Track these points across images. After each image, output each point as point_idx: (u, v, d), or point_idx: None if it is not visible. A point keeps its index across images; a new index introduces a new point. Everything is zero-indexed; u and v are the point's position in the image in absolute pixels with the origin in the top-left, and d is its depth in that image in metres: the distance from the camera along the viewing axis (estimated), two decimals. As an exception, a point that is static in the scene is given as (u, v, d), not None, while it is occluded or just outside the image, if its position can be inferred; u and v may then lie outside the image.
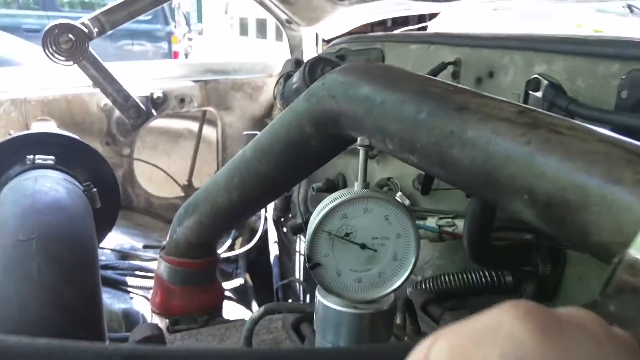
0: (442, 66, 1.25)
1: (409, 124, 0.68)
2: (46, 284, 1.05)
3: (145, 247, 1.57)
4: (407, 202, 1.09)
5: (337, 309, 0.67)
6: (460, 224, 1.14)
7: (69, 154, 1.47)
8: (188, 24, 11.29)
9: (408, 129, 0.68)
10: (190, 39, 11.09)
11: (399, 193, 1.09)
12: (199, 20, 13.40)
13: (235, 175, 1.06)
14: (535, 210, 0.53)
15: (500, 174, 0.56)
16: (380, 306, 0.67)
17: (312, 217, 0.67)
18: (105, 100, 2.02)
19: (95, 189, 1.34)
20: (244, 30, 11.33)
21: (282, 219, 2.25)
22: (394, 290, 0.67)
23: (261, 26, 10.32)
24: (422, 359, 0.28)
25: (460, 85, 0.70)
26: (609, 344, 0.27)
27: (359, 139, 0.63)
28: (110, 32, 1.90)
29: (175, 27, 9.70)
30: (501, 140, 0.56)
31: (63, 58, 1.82)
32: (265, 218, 2.24)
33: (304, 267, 2.08)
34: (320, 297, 0.68)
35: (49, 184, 1.22)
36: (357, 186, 0.66)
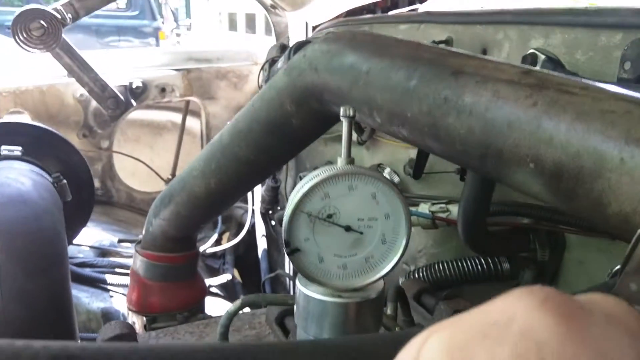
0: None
1: (399, 93, 0.61)
2: (9, 281, 0.98)
3: (120, 241, 1.49)
4: (396, 179, 1.02)
5: (320, 299, 0.60)
6: (454, 209, 1.08)
7: (38, 144, 1.38)
8: (176, 19, 11.16)
9: (397, 98, 0.61)
10: (178, 35, 10.97)
11: (387, 169, 1.02)
12: (187, 15, 13.26)
13: (212, 161, 0.98)
14: (542, 181, 0.47)
15: (502, 142, 0.49)
16: (367, 294, 0.60)
17: (290, 197, 0.60)
18: (81, 91, 1.93)
19: (65, 181, 1.25)
20: (232, 25, 11.23)
21: (270, 212, 2.18)
22: (383, 277, 0.60)
23: (250, 21, 10.22)
24: (413, 356, 0.22)
25: (455, 49, 0.63)
26: None
27: (341, 108, 0.56)
28: (83, 17, 1.81)
29: (162, 22, 9.57)
30: (503, 104, 0.49)
31: (35, 46, 1.72)
32: (253, 211, 2.17)
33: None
34: (300, 287, 0.61)
35: (13, 175, 1.14)
36: (340, 162, 0.58)
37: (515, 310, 0.21)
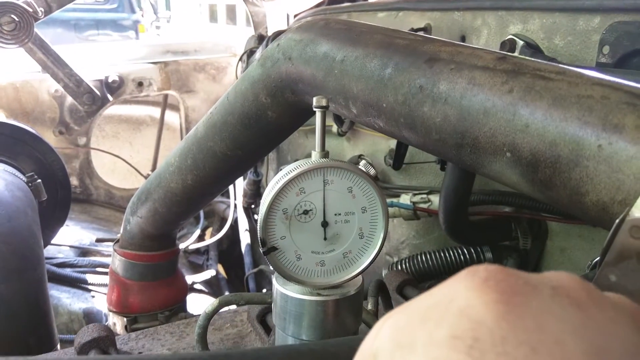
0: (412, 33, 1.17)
1: (373, 82, 0.59)
2: (-20, 285, 0.95)
3: (98, 240, 1.45)
4: (372, 171, 1.00)
5: (298, 298, 0.58)
6: (435, 199, 1.07)
7: (11, 143, 1.34)
8: (155, 11, 10.97)
9: (372, 87, 0.60)
10: (158, 27, 10.79)
11: (363, 162, 1.00)
12: (167, 7, 13.05)
13: (187, 156, 0.96)
14: (519, 171, 0.45)
15: (478, 130, 0.48)
16: (346, 291, 0.59)
17: (264, 194, 0.58)
18: (56, 86, 1.88)
19: (39, 180, 1.22)
20: (213, 16, 11.09)
21: (253, 206, 2.16)
22: (362, 272, 0.58)
23: (231, 12, 10.11)
24: (370, 344, 0.22)
25: (430, 36, 0.61)
26: (595, 308, 0.20)
27: (314, 99, 0.54)
28: (57, 11, 1.75)
29: (142, 15, 9.40)
30: (478, 91, 0.48)
31: (6, 41, 1.67)
32: (235, 206, 2.14)
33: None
34: (278, 286, 0.59)
35: (-17, 175, 1.10)
36: (314, 155, 0.57)
37: (456, 291, 0.21)
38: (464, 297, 0.20)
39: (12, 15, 1.67)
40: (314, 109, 0.55)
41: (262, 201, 0.58)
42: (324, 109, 0.55)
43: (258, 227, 0.57)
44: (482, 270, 0.21)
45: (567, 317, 0.19)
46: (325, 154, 0.57)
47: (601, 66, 0.85)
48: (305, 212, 0.57)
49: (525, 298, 0.20)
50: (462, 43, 0.57)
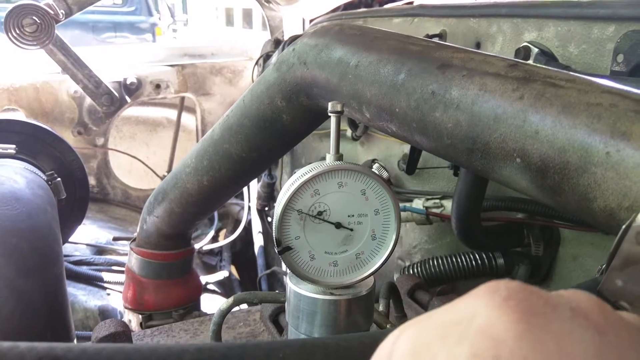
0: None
1: (387, 87, 0.61)
2: (3, 280, 0.97)
3: (115, 239, 1.48)
4: (385, 174, 1.01)
5: (311, 296, 0.60)
6: (448, 204, 1.07)
7: (32, 142, 1.38)
8: (172, 15, 11.12)
9: (385, 92, 0.61)
10: (174, 30, 10.93)
11: (376, 165, 1.01)
12: (184, 11, 13.20)
13: (204, 158, 0.98)
14: (529, 176, 0.46)
15: (489, 136, 0.49)
16: (358, 291, 0.60)
17: (279, 195, 0.60)
18: (75, 87, 1.92)
19: (59, 179, 1.25)
20: (229, 20, 11.20)
21: (267, 208, 2.18)
22: (373, 273, 0.60)
23: (247, 16, 10.19)
24: (387, 354, 0.22)
25: (443, 42, 0.62)
26: (613, 332, 0.21)
27: (329, 104, 0.56)
28: (78, 13, 1.79)
29: (159, 18, 9.53)
30: (489, 98, 0.49)
31: (28, 42, 1.71)
32: (249, 208, 2.16)
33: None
34: (291, 285, 0.61)
35: (6, 173, 1.13)
36: (329, 158, 0.58)
37: (477, 308, 0.21)
38: (484, 316, 0.20)
39: (34, 17, 1.72)
40: (329, 114, 0.57)
41: (277, 202, 0.59)
42: (339, 114, 0.56)
43: (273, 227, 0.58)
44: (503, 288, 0.22)
45: (586, 340, 0.20)
46: (339, 156, 0.58)
47: (615, 74, 0.85)
48: (320, 213, 0.58)
49: (546, 319, 0.20)
50: (474, 50, 0.58)
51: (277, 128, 0.84)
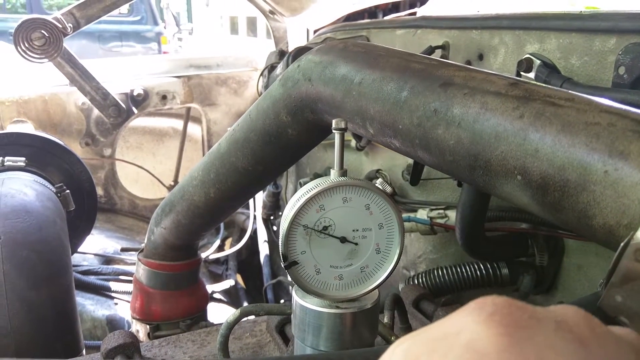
0: (430, 51, 1.19)
1: (390, 105, 0.62)
2: (13, 290, 0.99)
3: (123, 250, 1.50)
4: (388, 189, 1.02)
5: (317, 310, 0.61)
6: (452, 215, 1.08)
7: (41, 154, 1.40)
8: (178, 24, 11.21)
9: (388, 109, 0.62)
10: (180, 39, 11.01)
11: (379, 180, 1.02)
12: (189, 19, 13.31)
13: (211, 170, 0.99)
14: (530, 193, 0.47)
15: (490, 153, 0.50)
16: (363, 304, 0.61)
17: (285, 211, 0.61)
18: (83, 99, 1.95)
19: (68, 191, 1.27)
20: (234, 28, 11.28)
21: (272, 217, 2.19)
22: (378, 286, 0.61)
23: (251, 24, 10.27)
24: None
25: (445, 60, 0.64)
26: (597, 345, 0.21)
27: (333, 121, 0.57)
28: (85, 27, 1.82)
29: (164, 27, 9.61)
30: (490, 116, 0.50)
31: (36, 55, 1.74)
32: (255, 217, 2.18)
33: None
34: (297, 298, 0.62)
35: (16, 186, 1.15)
36: (333, 174, 0.59)
37: (464, 324, 0.22)
38: (470, 330, 0.21)
39: (43, 31, 1.75)
40: (333, 131, 0.58)
41: (283, 217, 0.60)
42: (343, 131, 0.57)
43: (279, 242, 0.59)
44: (490, 304, 0.23)
45: (569, 352, 0.20)
46: (343, 172, 0.59)
47: (617, 87, 0.86)
48: (325, 228, 0.59)
49: (530, 332, 0.21)
50: (476, 68, 0.59)
51: (283, 142, 0.85)
